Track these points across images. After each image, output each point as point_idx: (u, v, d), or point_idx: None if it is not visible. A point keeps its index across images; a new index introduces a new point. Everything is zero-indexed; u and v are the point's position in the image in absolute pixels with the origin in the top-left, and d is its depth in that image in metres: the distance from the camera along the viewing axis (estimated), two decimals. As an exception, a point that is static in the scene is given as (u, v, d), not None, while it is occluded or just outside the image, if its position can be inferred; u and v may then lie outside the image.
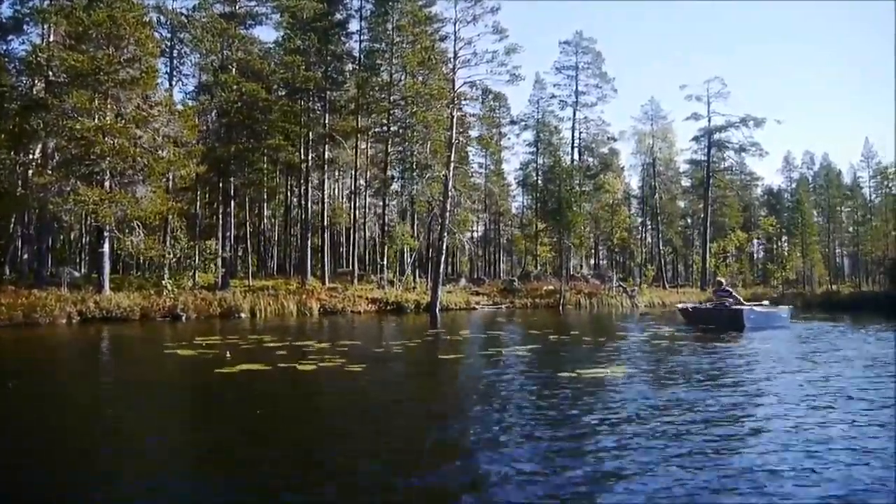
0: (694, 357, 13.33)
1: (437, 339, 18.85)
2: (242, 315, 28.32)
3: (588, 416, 7.45)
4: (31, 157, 31.52)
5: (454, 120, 36.35)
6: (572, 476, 5.16)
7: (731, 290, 23.32)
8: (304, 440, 6.75)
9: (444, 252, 36.23)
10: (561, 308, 40.06)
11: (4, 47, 34.49)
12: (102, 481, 5.40)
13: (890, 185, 69.37)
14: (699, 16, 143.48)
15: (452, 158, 36.09)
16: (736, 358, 13.20)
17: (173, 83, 41.09)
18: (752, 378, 10.37)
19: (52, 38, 30.52)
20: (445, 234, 35.75)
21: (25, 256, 34.18)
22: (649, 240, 73.91)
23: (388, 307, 34.18)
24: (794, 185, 77.63)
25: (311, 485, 5.22)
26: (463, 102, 38.75)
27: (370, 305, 33.90)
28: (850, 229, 77.69)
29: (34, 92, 31.92)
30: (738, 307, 21.32)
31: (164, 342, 17.33)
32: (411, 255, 45.17)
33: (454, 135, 36.37)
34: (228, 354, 13.27)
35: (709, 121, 58.00)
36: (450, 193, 35.65)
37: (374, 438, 6.66)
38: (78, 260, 45.71)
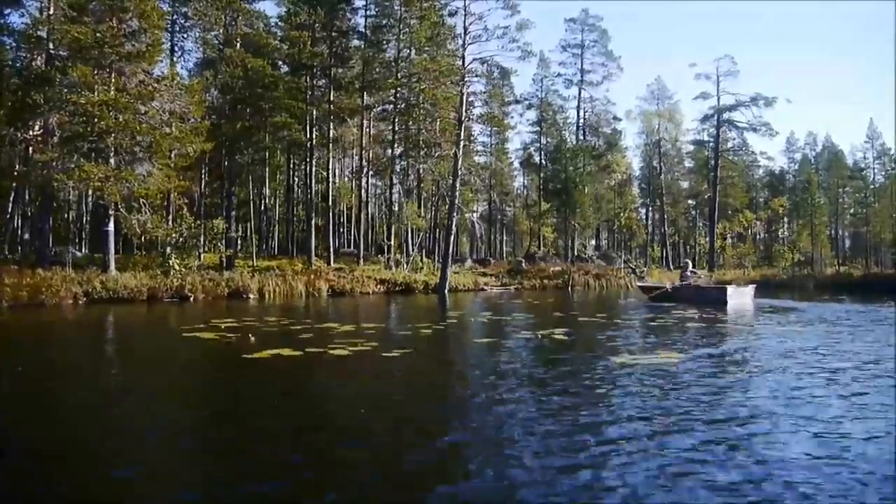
0: (736, 340, 12.84)
1: (461, 322, 18.33)
2: (251, 296, 27.76)
3: (693, 409, 6.89)
4: (31, 133, 30.66)
5: (464, 97, 35.59)
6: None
7: (690, 273, 26.96)
8: (382, 438, 6.17)
9: (453, 232, 35.66)
10: (570, 289, 39.65)
11: (2, 20, 33.52)
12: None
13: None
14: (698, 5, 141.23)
15: (462, 137, 35.42)
16: (769, 340, 12.74)
17: (174, 59, 40.16)
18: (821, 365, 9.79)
19: (52, 11, 29.48)
20: (455, 213, 35.16)
21: (26, 236, 33.44)
22: (648, 222, 73.45)
23: (397, 288, 33.66)
24: (796, 167, 77.15)
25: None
26: (474, 79, 37.87)
27: (379, 286, 33.34)
28: (852, 211, 77.39)
29: (34, 66, 31.04)
30: (722, 286, 25.83)
31: (179, 324, 16.73)
32: (418, 236, 44.54)
33: (464, 112, 35.64)
34: (252, 338, 12.71)
35: (718, 100, 57.17)
36: (459, 172, 35.02)
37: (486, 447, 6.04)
38: (77, 240, 44.95)
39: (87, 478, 4.89)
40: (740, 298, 23.79)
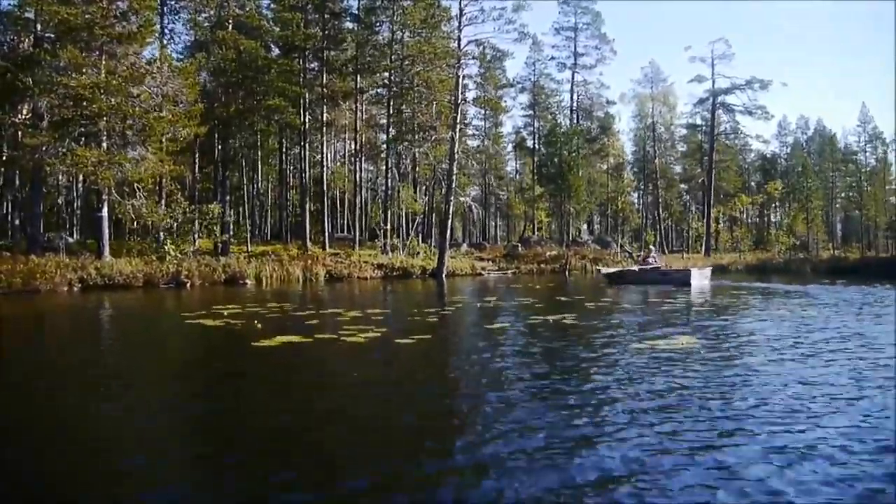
0: (748, 322, 12.66)
1: (466, 307, 18.06)
2: (248, 282, 27.44)
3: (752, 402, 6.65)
4: (20, 117, 30.04)
5: (460, 80, 35.14)
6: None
7: (654, 257, 29.35)
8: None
9: (450, 216, 35.36)
10: (567, 273, 39.49)
11: (-13, 2, 32.85)
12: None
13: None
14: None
15: (458, 120, 35.03)
16: (771, 321, 12.59)
17: (164, 42, 39.43)
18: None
19: (39, -8, 28.82)
20: (452, 197, 34.82)
21: (17, 222, 32.87)
22: (642, 206, 73.31)
23: (395, 273, 33.39)
24: (788, 150, 77.13)
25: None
26: (469, 61, 37.43)
27: (376, 271, 33.10)
28: (843, 195, 77.51)
29: (21, 48, 30.38)
30: (687, 269, 28.31)
31: (179, 311, 16.41)
32: (413, 220, 44.21)
33: (460, 95, 35.22)
34: (259, 325, 12.41)
35: (713, 83, 56.88)
36: (456, 156, 34.67)
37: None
38: (68, 225, 44.30)
39: (99, 472, 4.60)
40: (701, 280, 26.32)
